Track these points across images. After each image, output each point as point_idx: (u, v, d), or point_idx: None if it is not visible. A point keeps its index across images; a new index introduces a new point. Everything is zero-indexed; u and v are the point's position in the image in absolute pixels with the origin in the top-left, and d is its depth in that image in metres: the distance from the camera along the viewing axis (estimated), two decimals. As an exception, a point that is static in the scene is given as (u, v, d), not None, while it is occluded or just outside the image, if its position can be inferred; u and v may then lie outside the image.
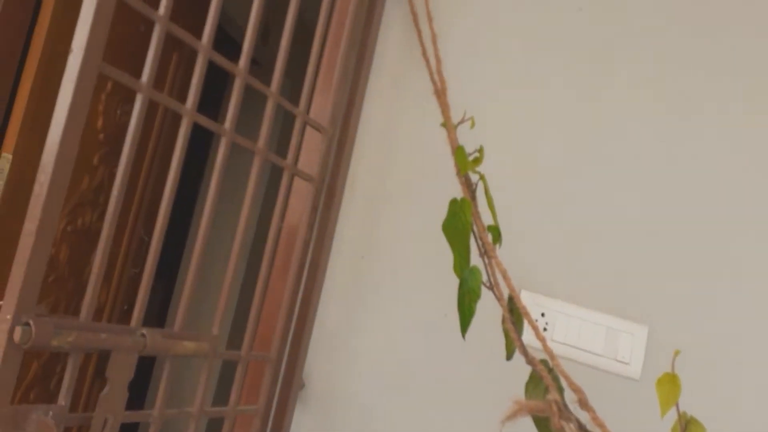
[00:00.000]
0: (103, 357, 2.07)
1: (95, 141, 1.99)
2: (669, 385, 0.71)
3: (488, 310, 0.94)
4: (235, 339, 3.11)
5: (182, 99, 0.94)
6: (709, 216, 1.12)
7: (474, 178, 0.96)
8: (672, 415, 0.70)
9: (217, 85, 3.42)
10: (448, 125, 0.91)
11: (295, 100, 1.22)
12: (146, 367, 3.31)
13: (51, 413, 0.80)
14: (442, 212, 0.90)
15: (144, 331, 0.91)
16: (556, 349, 1.16)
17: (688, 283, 1.11)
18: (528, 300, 1.20)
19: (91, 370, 2.18)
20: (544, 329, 1.18)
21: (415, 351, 1.30)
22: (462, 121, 0.93)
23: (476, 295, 0.92)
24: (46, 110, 1.72)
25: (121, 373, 0.87)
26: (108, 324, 0.87)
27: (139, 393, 3.30)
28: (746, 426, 1.03)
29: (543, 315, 1.19)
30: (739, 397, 1.05)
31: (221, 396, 3.21)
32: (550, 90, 1.28)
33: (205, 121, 0.95)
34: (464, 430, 1.22)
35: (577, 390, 0.78)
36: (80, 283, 2.04)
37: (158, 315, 3.61)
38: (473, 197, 0.95)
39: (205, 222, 1.00)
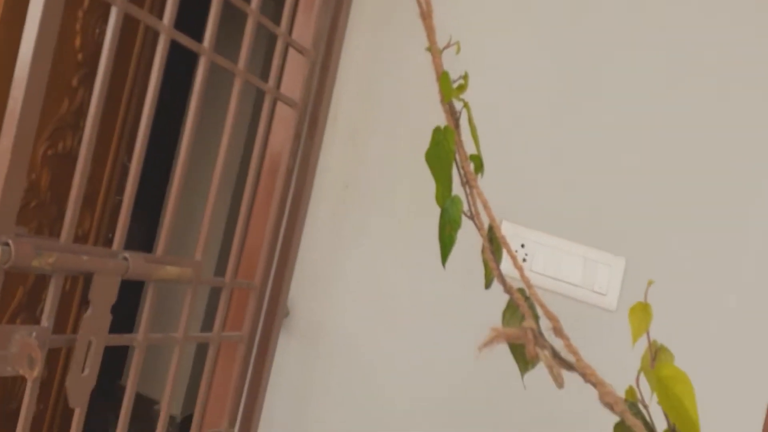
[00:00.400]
0: (90, 283, 2.08)
1: (73, 61, 1.94)
2: (641, 313, 0.72)
3: (470, 240, 0.95)
4: (222, 268, 3.14)
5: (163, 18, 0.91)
6: (688, 151, 1.12)
7: (458, 105, 0.95)
8: (643, 344, 0.72)
9: (202, 12, 3.31)
10: (433, 50, 0.89)
11: (278, 21, 1.18)
12: (135, 295, 3.33)
13: (34, 334, 0.81)
14: (426, 141, 0.89)
15: (126, 254, 0.91)
16: (535, 279, 1.18)
17: (666, 216, 1.12)
18: (509, 231, 1.21)
19: (78, 296, 2.20)
20: (524, 260, 1.20)
21: (398, 279, 1.32)
22: (447, 46, 0.91)
23: (457, 225, 0.93)
24: (21, 23, 1.67)
25: (103, 296, 0.88)
26: (90, 246, 0.87)
27: (129, 323, 3.35)
28: (716, 355, 1.06)
29: (523, 246, 1.21)
30: (710, 328, 1.08)
31: (210, 326, 3.26)
32: (542, 18, 1.25)
33: (183, 39, 0.93)
34: (445, 357, 1.26)
35: (552, 318, 0.79)
36: (63, 210, 2.03)
37: (145, 246, 3.61)
38: (457, 125, 0.94)
39: (185, 143, 0.99)
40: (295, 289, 1.41)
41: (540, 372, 0.77)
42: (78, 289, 2.19)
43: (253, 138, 3.17)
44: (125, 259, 0.89)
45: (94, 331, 0.86)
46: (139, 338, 0.98)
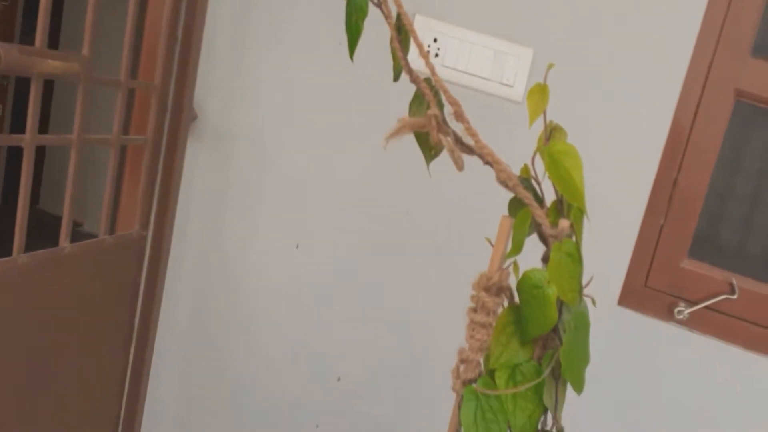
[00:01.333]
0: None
1: None
2: (538, 95, 0.72)
3: (379, 33, 0.91)
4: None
5: None
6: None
7: None
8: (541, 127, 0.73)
9: None
10: None
11: None
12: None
13: None
14: None
15: (-4, 45, 0.82)
16: (447, 74, 1.16)
17: (574, 7, 1.10)
18: (421, 24, 1.16)
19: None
20: (436, 55, 1.17)
21: (308, 76, 1.28)
22: None
23: (363, 13, 0.88)
24: None
25: (-24, 91, 0.80)
26: (-49, 36, 0.78)
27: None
28: (611, 138, 1.11)
29: (435, 40, 1.17)
30: (608, 112, 1.11)
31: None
32: None
33: None
34: (357, 152, 1.26)
35: (453, 103, 0.79)
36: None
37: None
38: None
39: None
40: (202, 91, 1.34)
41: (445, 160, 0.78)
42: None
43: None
44: (-5, 49, 0.81)
45: (-29, 128, 0.80)
46: (27, 138, 0.92)
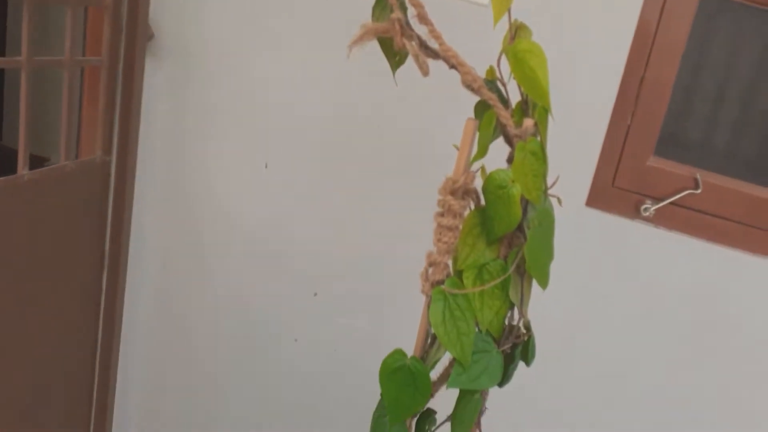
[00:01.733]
0: None
1: None
2: (502, -7, 0.70)
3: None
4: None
5: None
6: None
7: None
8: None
9: None
10: None
11: None
12: None
13: None
14: None
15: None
16: (410, -21, 1.12)
17: None
18: (380, -76, 1.11)
19: None
20: (398, -42, 1.12)
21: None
22: None
23: None
24: None
25: None
26: None
27: None
28: (578, 32, 1.09)
29: (397, -58, 1.12)
30: (573, 9, 1.09)
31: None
32: None
33: None
34: (318, 61, 1.23)
35: (416, 5, 0.76)
36: None
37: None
38: None
39: None
40: (158, 8, 1.28)
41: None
42: None
43: None
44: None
45: None
46: (-28, 62, 0.88)
